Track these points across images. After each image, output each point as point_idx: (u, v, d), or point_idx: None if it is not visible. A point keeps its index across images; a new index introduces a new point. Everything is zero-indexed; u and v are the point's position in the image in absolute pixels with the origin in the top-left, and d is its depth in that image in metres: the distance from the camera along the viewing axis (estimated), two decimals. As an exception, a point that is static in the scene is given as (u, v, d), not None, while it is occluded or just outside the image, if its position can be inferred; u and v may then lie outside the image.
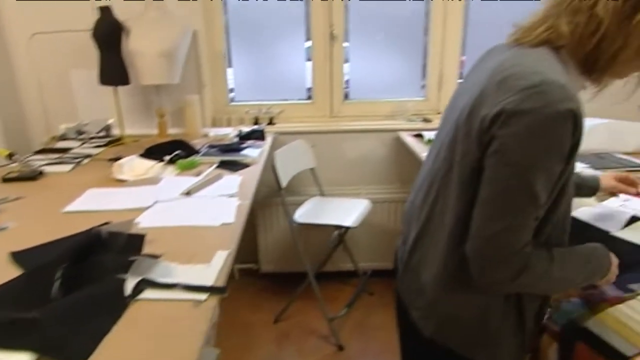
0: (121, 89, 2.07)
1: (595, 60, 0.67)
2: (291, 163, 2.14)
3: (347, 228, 2.00)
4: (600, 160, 1.75)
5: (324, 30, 2.25)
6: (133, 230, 1.04)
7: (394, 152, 2.32)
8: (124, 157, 1.63)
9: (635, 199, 1.29)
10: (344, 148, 2.33)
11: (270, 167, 1.96)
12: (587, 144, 1.91)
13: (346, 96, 2.41)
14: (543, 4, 0.72)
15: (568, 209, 0.73)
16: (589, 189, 1.08)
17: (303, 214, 2.06)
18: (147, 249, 0.95)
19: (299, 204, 2.16)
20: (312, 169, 2.28)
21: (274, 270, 2.43)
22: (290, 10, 2.25)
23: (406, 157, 2.30)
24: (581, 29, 0.65)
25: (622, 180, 1.08)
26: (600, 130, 1.88)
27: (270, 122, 2.34)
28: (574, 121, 0.60)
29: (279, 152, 2.03)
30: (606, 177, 1.08)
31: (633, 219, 1.13)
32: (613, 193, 1.09)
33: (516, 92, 0.62)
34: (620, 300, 0.79)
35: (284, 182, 2.01)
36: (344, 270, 2.43)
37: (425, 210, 0.79)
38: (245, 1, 2.23)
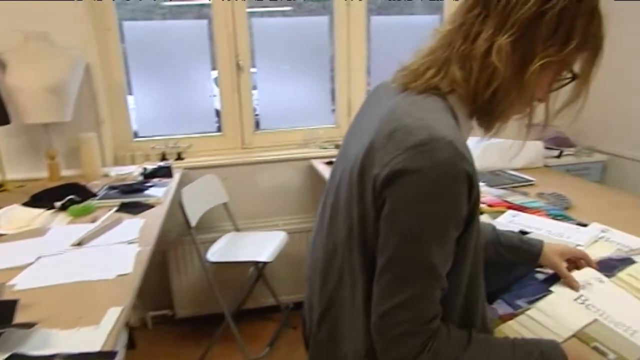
0: (0, 129, 1.86)
1: (489, 110, 0.65)
2: (201, 199, 2.05)
3: (265, 263, 1.95)
4: (495, 177, 1.91)
5: (230, 60, 2.23)
6: (4, 296, 0.91)
7: (309, 181, 2.34)
8: (3, 207, 1.45)
9: (524, 215, 1.41)
10: (257, 179, 2.29)
11: (179, 205, 1.86)
12: (483, 162, 2.09)
13: (257, 125, 2.39)
14: (428, 43, 0.70)
15: (476, 278, 0.67)
16: (528, 257, 0.94)
17: (216, 252, 1.97)
18: (21, 317, 0.84)
19: (213, 241, 2.07)
20: (224, 204, 2.21)
21: (190, 315, 2.28)
22: (194, 38, 2.21)
23: (320, 185, 2.32)
24: (475, 77, 0.62)
25: (569, 260, 0.94)
26: (494, 149, 2.05)
27: (179, 157, 2.25)
28: (469, 182, 0.57)
29: (187, 189, 1.95)
30: (551, 252, 0.93)
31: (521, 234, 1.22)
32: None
33: (404, 150, 0.57)
34: (511, 317, 0.83)
35: (193, 221, 1.91)
36: (266, 305, 2.36)
37: (331, 278, 0.72)
38: (145, 29, 2.15)
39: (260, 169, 2.28)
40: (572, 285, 0.88)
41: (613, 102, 2.34)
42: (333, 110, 2.48)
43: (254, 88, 2.34)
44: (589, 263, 0.94)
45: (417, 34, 2.42)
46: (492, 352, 0.62)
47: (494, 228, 0.97)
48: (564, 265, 0.91)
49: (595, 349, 0.73)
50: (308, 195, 2.35)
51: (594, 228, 1.27)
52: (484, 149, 2.01)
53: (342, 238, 0.69)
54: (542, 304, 0.84)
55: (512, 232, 1.00)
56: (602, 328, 0.76)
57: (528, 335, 0.77)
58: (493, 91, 0.62)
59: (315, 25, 2.35)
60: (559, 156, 2.28)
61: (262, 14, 2.38)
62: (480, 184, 1.76)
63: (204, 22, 2.20)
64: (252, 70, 2.30)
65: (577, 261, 0.95)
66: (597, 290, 0.86)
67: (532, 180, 1.83)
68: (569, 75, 0.66)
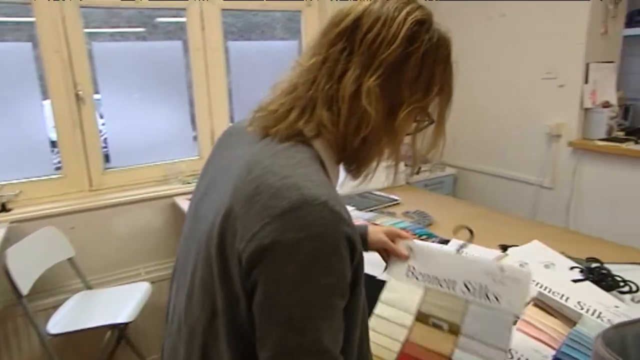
0: None
1: (358, 157, 0.61)
2: (37, 258, 1.71)
3: (125, 324, 1.69)
4: (363, 200, 1.96)
5: (67, 90, 1.93)
6: None
7: (172, 220, 2.13)
8: None
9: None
10: (111, 225, 2.01)
11: (3, 270, 1.51)
12: (347, 185, 2.14)
13: (108, 162, 2.11)
14: (288, 77, 0.62)
15: (366, 336, 0.65)
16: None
17: (60, 321, 1.64)
18: None
19: (57, 306, 1.73)
20: (70, 259, 1.88)
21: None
22: (16, 63, 1.86)
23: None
24: (344, 121, 0.57)
25: (390, 234, 0.99)
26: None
27: (4, 209, 1.85)
28: (350, 245, 0.51)
29: (15, 249, 1.60)
30: (375, 232, 0.99)
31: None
32: (386, 250, 0.98)
33: (272, 218, 0.49)
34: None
35: (25, 287, 1.57)
36: (134, 369, 2.06)
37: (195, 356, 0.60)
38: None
39: (113, 213, 2.00)
40: (402, 254, 0.91)
41: (459, 121, 2.62)
42: (195, 137, 2.32)
43: (101, 117, 2.07)
44: (407, 237, 1.00)
45: (277, 59, 2.42)
46: None
47: None
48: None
49: (434, 325, 0.82)
50: (173, 236, 2.14)
51: (454, 245, 1.35)
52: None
53: (202, 322, 0.58)
54: (384, 295, 0.91)
55: None
56: (432, 295, 0.85)
57: (383, 339, 0.84)
58: (363, 138, 0.58)
59: (168, 49, 2.19)
60: (417, 172, 2.46)
61: (110, 36, 2.14)
62: (350, 207, 1.82)
63: (28, 45, 1.88)
64: (96, 97, 2.03)
65: (398, 237, 1.00)
66: (419, 257, 0.90)
67: (397, 200, 1.93)
68: (426, 119, 0.66)
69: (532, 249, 1.18)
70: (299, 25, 2.49)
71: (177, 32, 2.21)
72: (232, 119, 2.36)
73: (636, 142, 2.01)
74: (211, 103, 2.29)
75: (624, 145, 1.99)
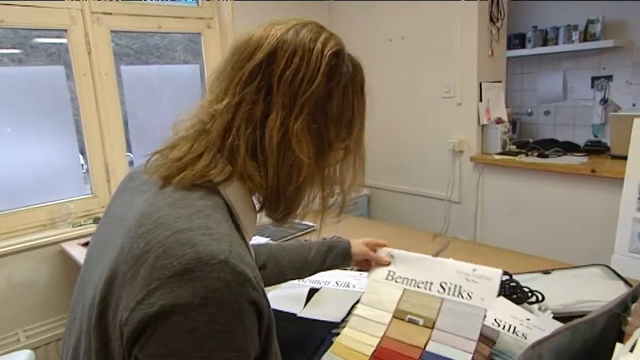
0: None
1: (289, 205, 0.56)
2: None
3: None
4: (278, 230, 1.92)
5: None
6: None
7: (60, 271, 1.89)
8: None
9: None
10: (-18, 283, 1.74)
11: None
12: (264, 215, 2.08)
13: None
14: (194, 119, 0.55)
15: None
16: (343, 257, 1.02)
17: None
18: None
19: None
20: None
21: None
22: None
23: (76, 273, 1.92)
24: (274, 171, 0.52)
25: (369, 245, 1.05)
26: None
27: None
28: (256, 310, 0.45)
29: None
30: (357, 245, 1.05)
31: (311, 292, 1.22)
32: (367, 261, 1.06)
33: (162, 281, 0.42)
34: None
35: None
36: None
37: None
38: None
39: (-16, 268, 1.73)
40: (383, 261, 1.02)
41: (369, 140, 2.71)
42: (87, 172, 2.12)
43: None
44: (385, 245, 1.09)
45: (178, 83, 2.32)
46: None
47: (302, 242, 1.07)
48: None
49: (410, 320, 0.89)
50: (61, 289, 1.90)
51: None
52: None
53: None
54: (364, 297, 0.98)
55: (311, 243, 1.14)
56: (410, 295, 0.94)
57: (362, 335, 0.89)
58: (297, 186, 0.54)
59: (50, 75, 1.99)
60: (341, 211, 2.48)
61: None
62: (264, 239, 1.76)
63: None
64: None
65: (377, 246, 1.09)
66: (399, 262, 1.02)
67: (312, 226, 1.91)
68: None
69: (449, 268, 1.22)
70: (200, 49, 2.42)
71: (63, 54, 2.02)
72: (129, 149, 2.20)
73: (526, 155, 2.24)
74: (103, 133, 2.11)
75: (517, 158, 2.20)
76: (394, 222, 2.20)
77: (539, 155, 2.20)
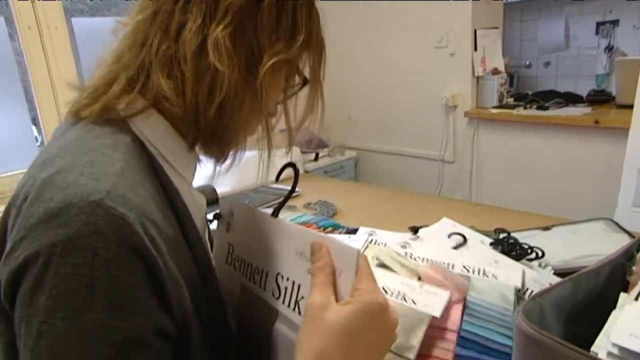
0: None
1: (218, 132, 0.51)
2: None
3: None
4: (259, 195, 1.90)
5: None
6: None
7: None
8: None
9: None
10: None
11: None
12: (242, 180, 2.07)
13: None
14: (114, 45, 0.52)
15: None
16: None
17: None
18: None
19: None
20: None
21: None
22: None
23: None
24: (192, 88, 0.48)
25: None
26: (250, 164, 2.04)
27: None
28: (144, 261, 0.40)
29: None
30: None
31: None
32: None
33: (27, 231, 0.39)
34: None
35: None
36: None
37: None
38: None
39: None
40: None
41: (354, 100, 2.68)
42: (42, 143, 2.06)
43: None
44: None
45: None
46: None
47: None
48: None
49: None
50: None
51: (363, 233, 1.36)
52: (242, 166, 1.99)
53: None
54: None
55: None
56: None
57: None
58: (219, 105, 0.49)
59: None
60: (316, 159, 2.47)
61: None
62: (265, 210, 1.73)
63: None
64: None
65: None
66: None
67: (297, 191, 1.90)
68: (300, 80, 0.61)
69: (443, 228, 1.23)
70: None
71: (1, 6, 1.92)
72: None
73: (525, 108, 2.24)
74: (58, 96, 2.03)
75: (514, 112, 2.19)
76: (384, 186, 2.20)
77: (539, 108, 2.20)
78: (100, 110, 0.48)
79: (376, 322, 0.42)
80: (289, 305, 0.50)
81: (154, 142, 0.50)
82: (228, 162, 0.57)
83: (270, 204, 1.78)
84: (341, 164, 2.58)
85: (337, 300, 0.43)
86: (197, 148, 0.55)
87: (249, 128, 0.56)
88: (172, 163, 0.51)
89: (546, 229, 1.31)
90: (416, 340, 0.70)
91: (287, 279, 0.51)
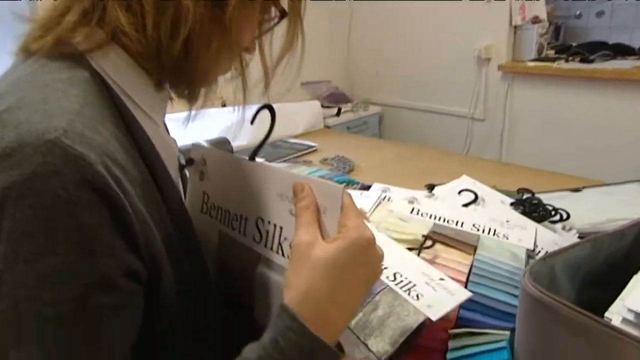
0: None
1: (185, 69, 0.49)
2: None
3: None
4: (275, 150, 1.88)
5: None
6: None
7: None
8: None
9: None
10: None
11: None
12: (259, 133, 2.03)
13: None
14: None
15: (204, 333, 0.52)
16: None
17: None
18: None
19: None
20: None
21: None
22: None
23: None
24: (153, 22, 0.45)
25: None
26: (269, 117, 2.02)
27: None
28: (107, 201, 0.38)
29: None
30: None
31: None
32: None
33: None
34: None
35: None
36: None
37: None
38: None
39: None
40: None
41: (380, 53, 2.60)
42: None
43: None
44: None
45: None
46: None
47: None
48: None
49: None
50: None
51: (376, 189, 1.33)
52: (260, 119, 1.97)
53: None
54: None
55: None
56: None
57: None
58: (185, 41, 0.46)
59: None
60: (337, 114, 2.42)
61: None
62: (259, 160, 1.73)
63: None
64: None
65: None
66: None
67: (314, 146, 1.87)
68: (277, 13, 0.56)
69: (460, 186, 1.18)
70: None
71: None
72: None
73: (567, 61, 2.11)
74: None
75: (554, 65, 2.07)
76: (409, 144, 2.14)
77: (582, 61, 2.07)
78: (53, 43, 0.45)
79: (364, 257, 0.42)
80: (271, 248, 0.50)
81: (116, 79, 0.47)
82: (200, 102, 0.54)
83: (286, 158, 1.76)
84: (364, 120, 2.52)
85: (323, 238, 0.43)
86: (167, 89, 0.52)
87: (220, 66, 0.53)
88: (138, 102, 0.48)
89: (576, 190, 1.25)
90: (392, 348, 0.67)
91: (269, 223, 0.51)
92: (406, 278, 0.77)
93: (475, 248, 0.84)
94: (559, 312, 0.53)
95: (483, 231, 0.91)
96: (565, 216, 1.06)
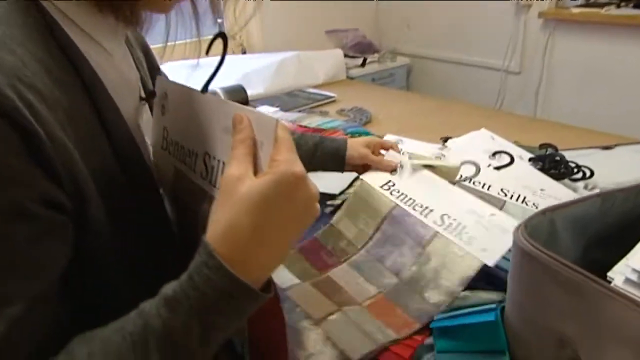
0: None
1: None
2: None
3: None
4: (291, 99, 1.85)
5: None
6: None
7: None
8: None
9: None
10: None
11: None
12: (276, 82, 2.01)
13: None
14: None
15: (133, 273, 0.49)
16: (334, 159, 0.91)
17: None
18: None
19: None
20: None
21: None
22: None
23: None
24: None
25: (372, 145, 0.93)
26: (288, 66, 1.98)
27: None
28: (14, 127, 0.36)
29: None
30: (355, 146, 0.91)
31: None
32: (366, 166, 0.93)
33: None
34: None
35: None
36: None
37: None
38: None
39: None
40: (388, 167, 0.88)
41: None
42: None
43: None
44: (393, 147, 0.94)
45: None
46: None
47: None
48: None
49: None
50: None
51: (388, 139, 1.29)
52: (278, 67, 1.94)
53: None
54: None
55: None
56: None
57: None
58: None
59: None
60: (362, 65, 2.35)
61: None
62: (273, 109, 1.71)
63: None
64: None
65: (384, 148, 0.94)
66: (405, 175, 0.88)
67: (332, 96, 1.83)
68: None
69: (477, 139, 1.13)
70: None
71: None
72: None
73: (618, 6, 1.96)
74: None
75: (603, 11, 1.93)
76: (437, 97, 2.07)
77: (636, 6, 1.92)
78: None
79: (292, 193, 0.40)
80: (215, 185, 0.49)
81: (57, 4, 0.44)
82: (146, 26, 0.51)
83: (301, 108, 1.73)
84: (391, 72, 2.44)
85: (257, 173, 0.41)
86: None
87: None
88: (84, 28, 0.46)
89: (607, 148, 1.19)
90: (449, 298, 0.67)
91: (214, 158, 0.49)
92: (455, 220, 0.76)
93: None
94: (548, 267, 0.51)
95: (511, 197, 0.87)
96: (588, 174, 1.01)
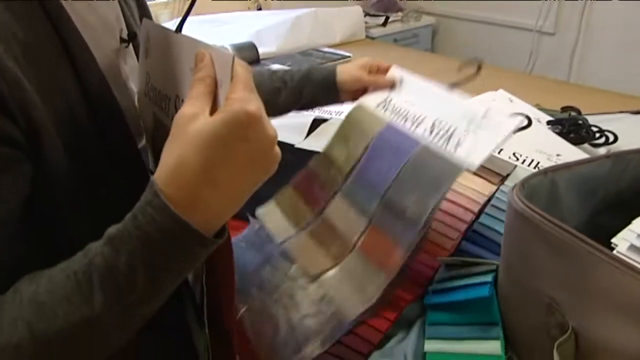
0: None
1: None
2: None
3: None
4: (305, 58, 1.82)
5: None
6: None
7: None
8: None
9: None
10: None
11: None
12: (289, 41, 1.98)
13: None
14: None
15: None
16: (325, 89, 0.86)
17: None
18: None
19: None
20: None
21: None
22: None
23: None
24: None
25: (367, 67, 0.87)
26: (303, 23, 1.94)
27: None
28: None
29: None
30: (347, 71, 0.86)
31: (317, 123, 1.17)
32: (364, 91, 0.87)
33: None
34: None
35: None
36: None
37: None
38: None
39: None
40: (387, 84, 0.82)
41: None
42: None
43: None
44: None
45: None
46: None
47: (272, 72, 0.89)
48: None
49: None
50: None
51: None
52: (293, 24, 1.90)
53: None
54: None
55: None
56: None
57: None
58: None
59: None
60: (384, 24, 2.29)
61: None
62: (285, 68, 1.69)
63: None
64: None
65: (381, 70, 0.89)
66: (405, 89, 0.83)
67: (348, 56, 1.80)
68: None
69: (492, 100, 1.10)
70: None
71: None
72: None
73: (665, -38, 1.85)
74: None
75: (648, -33, 1.83)
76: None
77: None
78: None
79: (245, 133, 0.38)
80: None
81: None
82: None
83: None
84: (415, 32, 2.37)
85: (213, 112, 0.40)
86: None
87: None
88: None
89: (637, 112, 1.13)
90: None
91: (182, 101, 0.48)
92: (446, 124, 0.72)
93: (503, 179, 0.77)
94: (539, 227, 0.49)
95: (523, 162, 0.84)
96: (611, 139, 0.97)
